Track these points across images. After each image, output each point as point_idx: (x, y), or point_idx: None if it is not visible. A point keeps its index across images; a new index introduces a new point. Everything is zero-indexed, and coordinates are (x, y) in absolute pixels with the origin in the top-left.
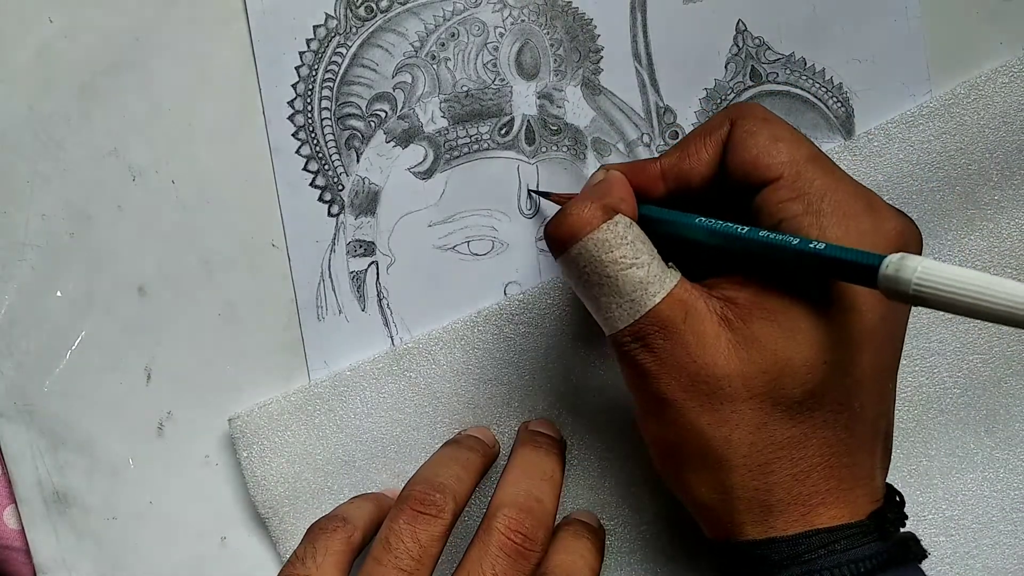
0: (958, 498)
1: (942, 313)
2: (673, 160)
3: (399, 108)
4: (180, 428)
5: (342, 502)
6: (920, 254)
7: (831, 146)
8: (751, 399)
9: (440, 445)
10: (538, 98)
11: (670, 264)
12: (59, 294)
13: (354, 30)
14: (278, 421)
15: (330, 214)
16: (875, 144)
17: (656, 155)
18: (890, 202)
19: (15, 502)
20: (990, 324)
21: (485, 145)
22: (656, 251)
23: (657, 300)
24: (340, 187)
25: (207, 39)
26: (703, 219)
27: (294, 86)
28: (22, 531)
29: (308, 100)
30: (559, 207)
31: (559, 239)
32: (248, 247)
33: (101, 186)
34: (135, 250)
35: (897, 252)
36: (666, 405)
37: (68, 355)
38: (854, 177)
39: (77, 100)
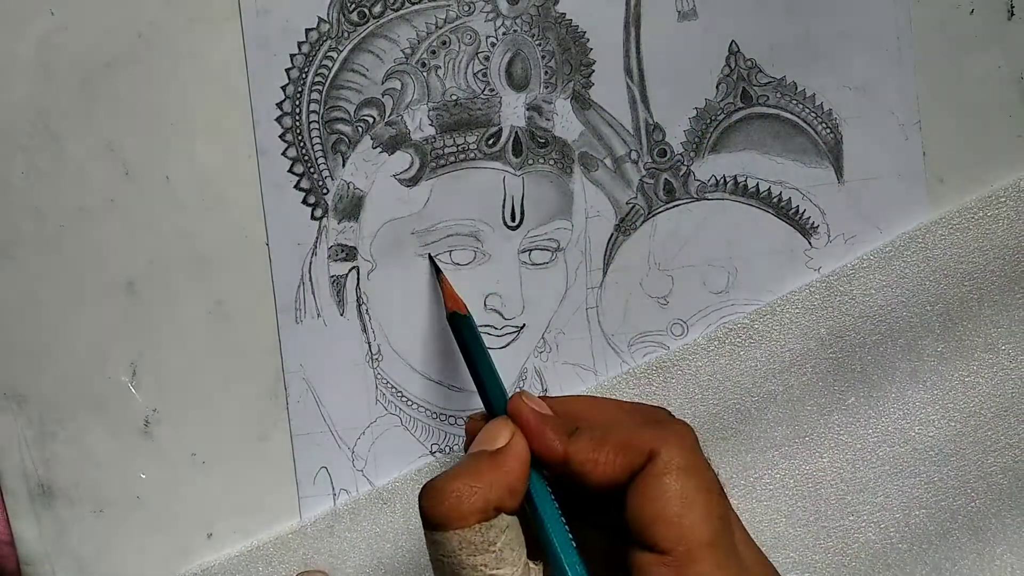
0: None
1: (889, 467)
2: (580, 455)
3: (387, 114)
4: (166, 425)
5: None
6: None
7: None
8: None
9: None
10: (527, 110)
11: (536, 562)
12: (49, 286)
13: (346, 35)
14: None
15: (313, 217)
16: (816, 297)
17: (643, 172)
18: (832, 355)
19: (1, 495)
20: (935, 479)
21: (472, 155)
22: (524, 555)
23: None
24: (325, 191)
25: (204, 38)
26: (569, 542)
27: (283, 88)
28: (7, 523)
29: (296, 103)
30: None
31: (428, 517)
32: (241, 246)
33: (95, 180)
34: (126, 245)
35: None
36: None
37: (56, 348)
38: (800, 329)
39: (77, 94)
